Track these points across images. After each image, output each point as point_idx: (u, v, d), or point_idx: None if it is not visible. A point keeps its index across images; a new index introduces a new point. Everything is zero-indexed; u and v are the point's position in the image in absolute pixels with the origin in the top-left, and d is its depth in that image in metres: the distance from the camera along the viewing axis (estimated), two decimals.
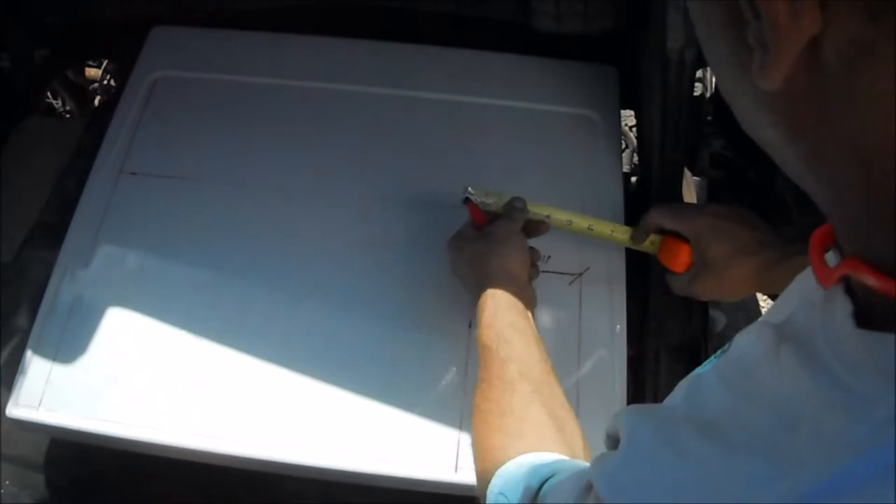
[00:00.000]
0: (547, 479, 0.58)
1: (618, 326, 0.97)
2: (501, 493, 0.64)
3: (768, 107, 0.36)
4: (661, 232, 0.97)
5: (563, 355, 0.95)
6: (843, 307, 0.36)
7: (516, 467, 0.64)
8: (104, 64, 1.63)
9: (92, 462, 0.99)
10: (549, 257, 1.01)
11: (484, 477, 0.68)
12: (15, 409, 0.91)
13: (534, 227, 0.96)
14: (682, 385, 0.45)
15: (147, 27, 1.22)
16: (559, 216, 0.98)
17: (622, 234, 0.99)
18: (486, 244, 0.89)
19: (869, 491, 0.30)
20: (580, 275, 1.00)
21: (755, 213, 0.94)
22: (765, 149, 0.39)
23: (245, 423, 0.90)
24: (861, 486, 0.31)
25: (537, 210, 0.98)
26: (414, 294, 0.98)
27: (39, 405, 0.91)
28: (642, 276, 1.07)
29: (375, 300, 0.98)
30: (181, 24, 1.23)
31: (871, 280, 0.34)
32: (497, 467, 0.66)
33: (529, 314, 0.84)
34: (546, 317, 0.98)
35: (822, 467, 0.32)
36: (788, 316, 0.41)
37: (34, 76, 1.33)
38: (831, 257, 0.39)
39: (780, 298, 0.44)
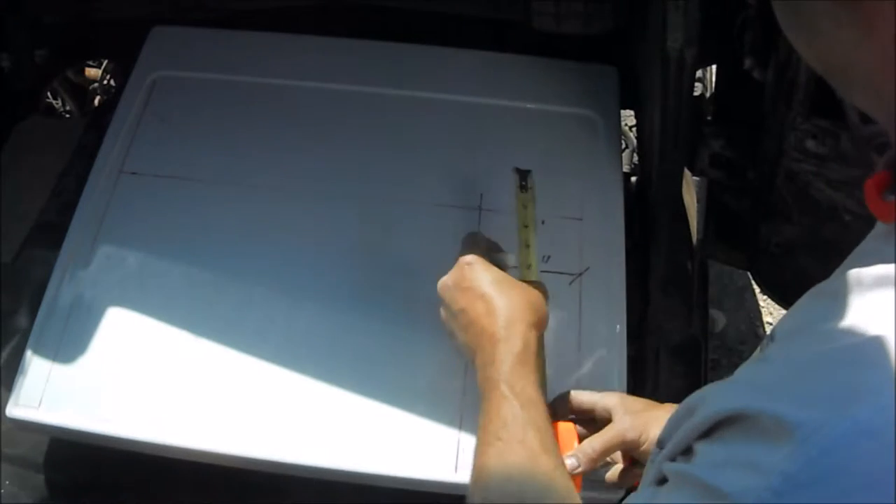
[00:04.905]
0: None
1: (618, 326, 0.97)
2: None
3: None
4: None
5: (563, 355, 0.95)
6: None
7: None
8: (104, 64, 1.63)
9: (92, 462, 0.99)
10: (549, 257, 1.01)
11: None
12: (15, 409, 0.91)
13: None
14: None
15: (147, 27, 1.22)
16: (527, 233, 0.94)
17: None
18: (533, 295, 0.78)
19: None
20: (580, 275, 1.00)
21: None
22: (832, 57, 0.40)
23: (245, 423, 0.90)
24: None
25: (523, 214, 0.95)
26: (414, 294, 0.98)
27: (39, 405, 0.91)
28: (642, 276, 1.07)
29: (376, 300, 0.98)
30: (181, 24, 1.23)
31: None
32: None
33: None
34: None
35: None
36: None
37: (34, 76, 1.33)
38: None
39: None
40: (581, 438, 0.77)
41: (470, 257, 0.80)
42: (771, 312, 1.89)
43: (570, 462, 0.72)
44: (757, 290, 1.88)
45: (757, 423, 0.38)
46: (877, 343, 0.36)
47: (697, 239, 1.15)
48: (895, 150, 0.41)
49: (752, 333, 1.87)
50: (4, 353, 1.04)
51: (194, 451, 0.89)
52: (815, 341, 0.40)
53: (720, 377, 1.84)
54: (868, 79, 0.39)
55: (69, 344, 0.94)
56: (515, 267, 0.87)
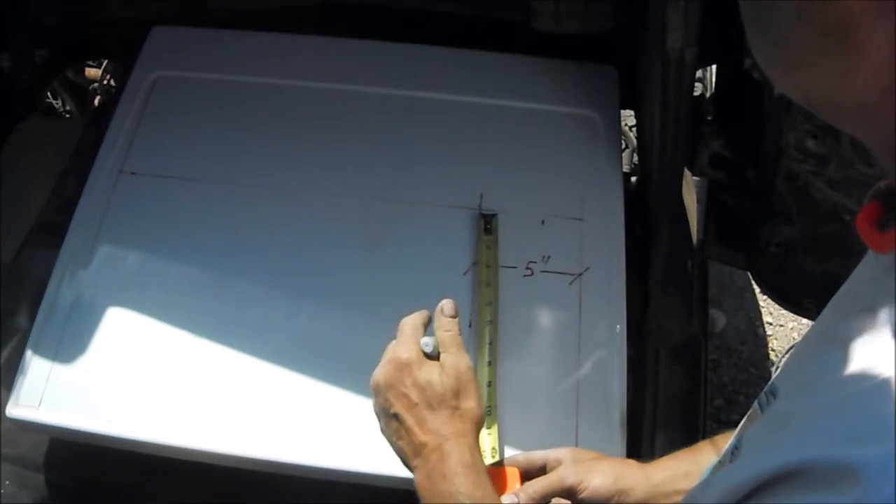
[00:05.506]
0: None
1: (618, 326, 0.97)
2: None
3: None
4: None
5: (563, 355, 0.95)
6: None
7: None
8: (104, 64, 1.63)
9: (92, 462, 0.99)
10: (549, 257, 1.01)
11: None
12: (15, 409, 0.91)
13: None
14: None
15: (147, 27, 1.22)
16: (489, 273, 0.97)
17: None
18: (454, 382, 0.71)
19: None
20: (580, 275, 1.00)
21: None
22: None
23: (245, 423, 0.90)
24: None
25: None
26: (414, 294, 0.98)
27: (39, 405, 0.91)
28: (642, 276, 1.07)
29: (375, 300, 0.98)
30: (181, 24, 1.23)
31: None
32: None
33: None
34: (546, 317, 0.98)
35: None
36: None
37: (34, 76, 1.33)
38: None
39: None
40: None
41: (405, 354, 0.72)
42: (771, 312, 1.89)
43: (510, 499, 0.73)
44: (757, 290, 1.88)
45: (814, 473, 0.37)
46: None
47: (697, 239, 1.15)
48: (895, 180, 0.41)
49: (752, 333, 1.87)
50: (4, 353, 1.04)
51: (194, 451, 0.89)
52: (841, 384, 0.39)
53: (720, 377, 1.82)
54: (859, 106, 0.38)
55: (69, 344, 0.94)
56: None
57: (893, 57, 0.35)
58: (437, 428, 0.69)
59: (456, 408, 0.70)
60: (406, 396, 0.71)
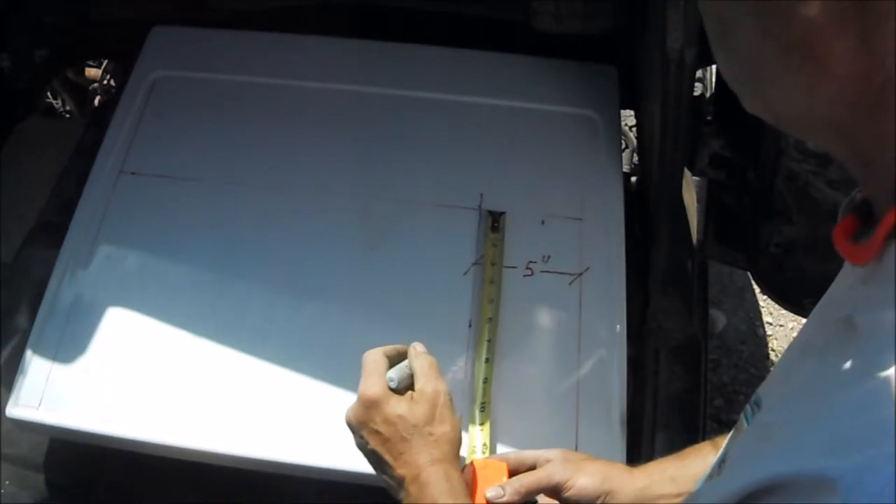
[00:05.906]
0: None
1: (618, 326, 0.97)
2: None
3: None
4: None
5: (563, 355, 0.95)
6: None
7: None
8: (104, 64, 1.63)
9: (92, 462, 1.00)
10: (549, 257, 1.01)
11: None
12: (15, 409, 0.91)
13: None
14: None
15: (147, 27, 1.22)
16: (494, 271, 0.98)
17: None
18: (427, 409, 0.72)
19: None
20: (580, 275, 1.00)
21: None
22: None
23: (244, 423, 0.90)
24: None
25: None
26: (414, 293, 0.98)
27: (39, 405, 0.91)
28: (642, 276, 1.07)
29: (375, 300, 0.98)
30: (181, 24, 1.23)
31: None
32: None
33: None
34: (546, 317, 0.98)
35: None
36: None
37: (34, 76, 1.33)
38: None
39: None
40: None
41: (370, 391, 0.72)
42: (771, 312, 1.89)
43: (495, 492, 0.74)
44: (757, 290, 1.88)
45: (795, 486, 0.37)
46: (887, 383, 0.36)
47: (697, 239, 1.15)
48: (867, 192, 0.41)
49: (752, 333, 1.87)
50: (4, 353, 1.04)
51: (194, 451, 0.89)
52: (818, 395, 0.40)
53: (720, 377, 1.82)
54: (827, 121, 0.39)
55: (69, 344, 0.94)
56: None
57: (857, 71, 0.36)
58: (412, 459, 0.70)
59: (430, 434, 0.71)
60: (378, 433, 0.72)
